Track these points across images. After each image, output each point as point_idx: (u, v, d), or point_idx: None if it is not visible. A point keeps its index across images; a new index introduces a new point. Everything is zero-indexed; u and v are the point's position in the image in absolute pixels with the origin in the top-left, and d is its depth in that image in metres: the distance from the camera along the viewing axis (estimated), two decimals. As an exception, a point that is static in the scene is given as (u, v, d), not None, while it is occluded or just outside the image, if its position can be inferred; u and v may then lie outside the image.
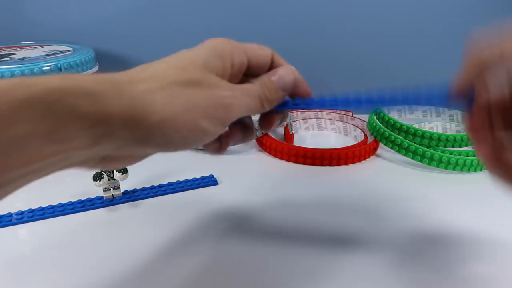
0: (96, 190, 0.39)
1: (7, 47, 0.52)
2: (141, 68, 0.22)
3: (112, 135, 0.19)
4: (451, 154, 0.44)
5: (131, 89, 0.20)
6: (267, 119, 0.29)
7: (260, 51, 0.27)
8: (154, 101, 0.20)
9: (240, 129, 0.29)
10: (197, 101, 0.22)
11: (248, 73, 0.27)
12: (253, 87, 0.25)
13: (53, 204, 0.36)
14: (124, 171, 0.37)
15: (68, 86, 0.18)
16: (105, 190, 0.37)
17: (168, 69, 0.22)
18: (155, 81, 0.21)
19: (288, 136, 0.51)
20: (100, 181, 0.36)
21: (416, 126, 0.52)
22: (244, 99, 0.24)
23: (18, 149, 0.17)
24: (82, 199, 0.37)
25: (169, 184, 0.41)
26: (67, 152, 0.18)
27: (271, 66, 0.28)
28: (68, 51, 0.49)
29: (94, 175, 0.36)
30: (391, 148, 0.47)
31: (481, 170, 0.45)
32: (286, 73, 0.27)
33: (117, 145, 0.20)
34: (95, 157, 0.21)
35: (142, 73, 0.22)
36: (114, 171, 0.37)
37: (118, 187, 0.38)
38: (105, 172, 0.36)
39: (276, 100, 0.26)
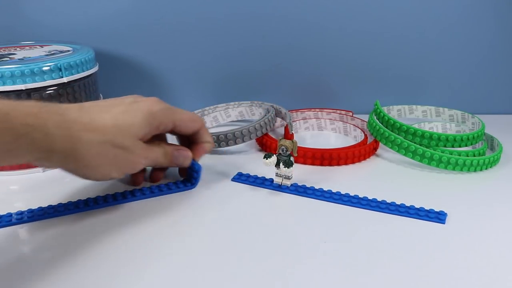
0: (95, 191, 0.39)
1: (7, 47, 0.52)
2: (91, 115, 0.31)
3: (51, 161, 0.30)
4: (451, 154, 0.44)
5: (78, 136, 0.30)
6: (154, 173, 0.41)
7: (188, 124, 0.38)
8: (90, 151, 0.30)
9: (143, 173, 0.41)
10: (118, 161, 0.33)
11: (173, 133, 0.39)
12: (159, 153, 0.37)
13: (53, 204, 0.36)
14: (289, 164, 0.39)
15: (36, 124, 0.27)
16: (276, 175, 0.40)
17: (111, 128, 0.32)
18: (97, 135, 0.31)
19: (288, 136, 0.51)
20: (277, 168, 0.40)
21: (416, 126, 0.52)
22: (150, 159, 0.36)
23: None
24: (82, 199, 0.37)
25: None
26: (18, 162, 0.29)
27: (196, 136, 0.39)
28: (68, 51, 0.49)
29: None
30: (391, 148, 0.47)
31: (481, 170, 0.45)
32: (184, 156, 0.39)
33: (52, 166, 0.30)
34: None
35: (91, 123, 0.31)
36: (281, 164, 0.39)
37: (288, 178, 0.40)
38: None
39: (167, 164, 0.38)
